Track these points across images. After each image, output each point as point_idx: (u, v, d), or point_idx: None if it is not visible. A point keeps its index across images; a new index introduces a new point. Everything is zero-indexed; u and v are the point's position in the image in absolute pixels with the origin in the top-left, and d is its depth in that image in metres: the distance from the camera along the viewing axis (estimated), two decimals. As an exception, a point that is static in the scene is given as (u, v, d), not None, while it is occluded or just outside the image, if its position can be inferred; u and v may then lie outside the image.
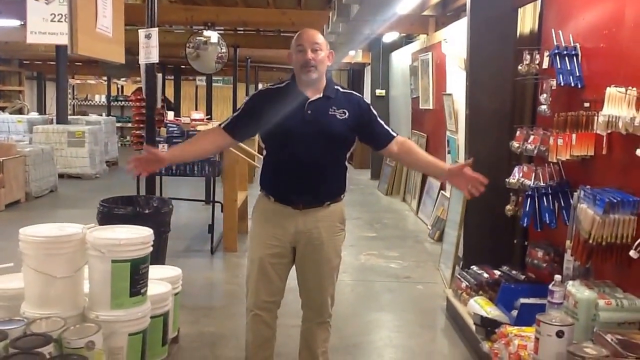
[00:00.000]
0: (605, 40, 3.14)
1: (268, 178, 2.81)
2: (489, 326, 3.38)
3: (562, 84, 3.30)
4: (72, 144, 10.75)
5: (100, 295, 2.78)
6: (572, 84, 3.27)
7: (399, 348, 3.86)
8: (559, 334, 2.52)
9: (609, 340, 2.41)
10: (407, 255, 6.04)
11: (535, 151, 3.53)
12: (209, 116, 9.87)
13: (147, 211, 3.92)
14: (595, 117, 2.93)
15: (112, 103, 19.27)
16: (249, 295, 2.84)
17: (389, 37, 10.43)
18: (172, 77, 18.85)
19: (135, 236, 2.87)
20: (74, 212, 7.59)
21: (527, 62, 3.75)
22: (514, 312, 3.40)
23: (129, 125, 18.21)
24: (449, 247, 4.99)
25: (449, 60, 6.81)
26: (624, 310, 2.66)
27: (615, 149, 2.95)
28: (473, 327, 3.56)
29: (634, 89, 2.68)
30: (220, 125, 2.84)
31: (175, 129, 6.17)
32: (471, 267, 4.15)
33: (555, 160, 3.27)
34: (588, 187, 2.93)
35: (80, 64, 16.42)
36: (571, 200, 3.17)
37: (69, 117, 12.30)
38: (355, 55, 12.19)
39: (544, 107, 3.58)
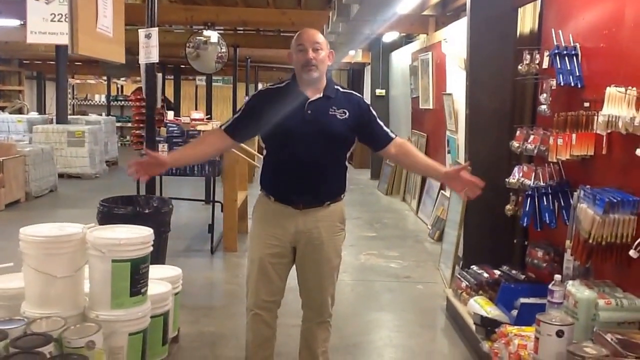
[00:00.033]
0: (605, 40, 3.14)
1: (268, 178, 2.81)
2: (489, 326, 3.38)
3: (562, 84, 3.30)
4: (72, 144, 10.75)
5: (101, 294, 2.79)
6: (572, 84, 3.27)
7: (399, 348, 3.86)
8: (559, 334, 2.52)
9: (609, 339, 2.42)
10: (407, 255, 6.04)
11: (535, 151, 3.53)
12: (208, 116, 9.86)
13: (147, 211, 3.92)
14: (595, 117, 2.94)
15: (111, 103, 19.26)
16: (249, 295, 2.84)
17: (389, 37, 10.43)
18: (172, 77, 18.85)
19: (136, 236, 2.87)
20: (73, 212, 7.59)
21: (527, 62, 3.76)
22: (514, 312, 3.40)
23: (129, 125, 18.23)
24: (449, 246, 4.99)
25: (449, 60, 6.81)
26: (624, 310, 2.66)
27: (615, 148, 2.96)
28: (473, 327, 3.56)
29: (634, 88, 2.68)
30: (221, 127, 2.84)
31: (175, 128, 6.17)
32: (471, 266, 4.15)
33: (555, 160, 3.28)
34: (588, 186, 2.94)
35: (80, 63, 16.42)
36: (571, 200, 3.17)
37: (68, 116, 12.30)
38: (355, 55, 12.19)
39: (544, 107, 3.58)
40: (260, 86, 17.58)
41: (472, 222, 4.36)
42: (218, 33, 9.04)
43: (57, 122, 11.41)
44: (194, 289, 4.64)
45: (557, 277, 2.89)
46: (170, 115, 7.80)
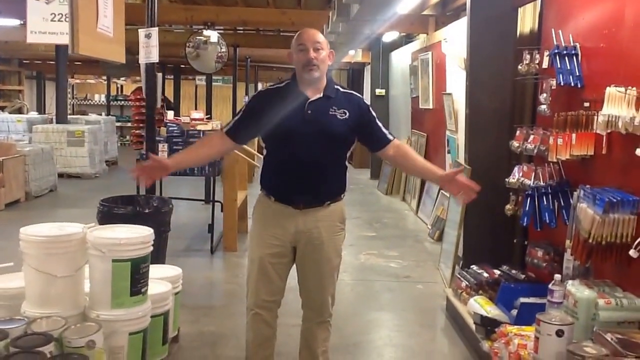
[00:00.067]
0: (605, 40, 3.15)
1: (268, 178, 2.82)
2: (488, 325, 3.38)
3: (562, 84, 3.31)
4: (72, 144, 10.75)
5: (101, 294, 2.79)
6: (572, 84, 3.27)
7: (399, 347, 3.86)
8: (559, 333, 2.52)
9: (609, 339, 2.42)
10: (406, 254, 6.04)
11: (535, 151, 3.53)
12: (208, 115, 9.88)
13: (147, 211, 3.92)
14: (595, 117, 2.94)
15: (111, 102, 19.26)
16: (249, 295, 2.84)
17: (389, 37, 10.43)
18: (172, 77, 18.84)
19: (136, 236, 2.87)
20: (73, 212, 7.59)
21: (527, 62, 3.76)
22: (514, 312, 3.40)
23: (129, 124, 18.22)
24: (449, 246, 5.00)
25: (448, 60, 6.81)
26: (624, 310, 2.67)
27: (615, 148, 2.96)
28: (473, 327, 3.56)
29: (634, 88, 2.68)
30: (222, 129, 2.84)
31: (175, 128, 6.17)
32: (471, 266, 4.15)
33: (555, 160, 3.28)
34: (588, 186, 2.94)
35: (79, 63, 16.42)
36: (571, 199, 3.17)
37: (68, 116, 12.30)
38: (355, 55, 12.20)
39: (543, 106, 3.58)
40: (260, 86, 17.59)
41: (472, 222, 4.36)
42: (218, 33, 9.04)
43: (57, 122, 11.41)
44: (194, 288, 4.65)
45: (557, 276, 2.90)
46: (170, 115, 7.81)
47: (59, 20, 3.58)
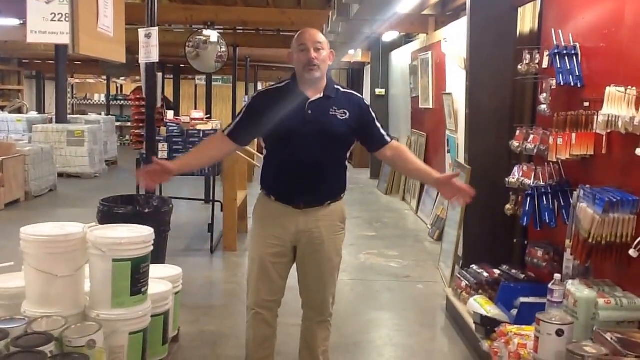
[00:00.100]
0: (605, 39, 3.15)
1: (269, 178, 2.82)
2: (488, 325, 3.39)
3: (561, 84, 3.31)
4: (72, 143, 10.75)
5: (101, 294, 2.79)
6: (572, 84, 3.28)
7: (399, 347, 3.86)
8: (559, 333, 2.52)
9: (609, 339, 2.42)
10: (406, 254, 6.05)
11: (535, 150, 3.53)
12: (208, 115, 9.87)
13: (147, 210, 3.93)
14: (595, 117, 2.94)
15: (111, 102, 19.25)
16: (249, 294, 2.84)
17: (389, 37, 10.43)
18: (172, 77, 18.84)
19: (136, 235, 2.87)
20: (73, 212, 7.59)
21: (527, 62, 3.76)
22: (514, 311, 3.41)
23: (128, 124, 18.24)
24: (449, 246, 5.00)
25: (448, 60, 6.81)
26: (624, 309, 2.67)
27: (615, 148, 2.96)
28: (473, 326, 3.56)
29: (634, 88, 2.68)
30: (224, 131, 2.84)
31: (175, 128, 6.18)
32: (471, 266, 4.16)
33: (555, 160, 3.28)
34: (588, 186, 2.94)
35: (79, 63, 16.41)
36: (571, 199, 3.17)
37: (68, 116, 12.29)
38: (355, 55, 12.19)
39: (543, 106, 3.59)
40: (259, 85, 17.60)
41: (472, 222, 4.36)
42: (218, 32, 9.04)
43: (57, 122, 11.40)
44: (193, 288, 4.65)
45: (557, 276, 2.90)
46: (170, 114, 7.81)
47: (59, 20, 3.58)
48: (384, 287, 5.06)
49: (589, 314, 2.69)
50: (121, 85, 22.32)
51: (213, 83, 13.67)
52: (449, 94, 6.68)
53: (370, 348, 3.85)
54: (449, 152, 6.90)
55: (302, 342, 2.96)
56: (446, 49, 6.84)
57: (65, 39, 3.17)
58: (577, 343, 2.47)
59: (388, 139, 2.83)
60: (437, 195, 7.12)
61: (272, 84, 2.95)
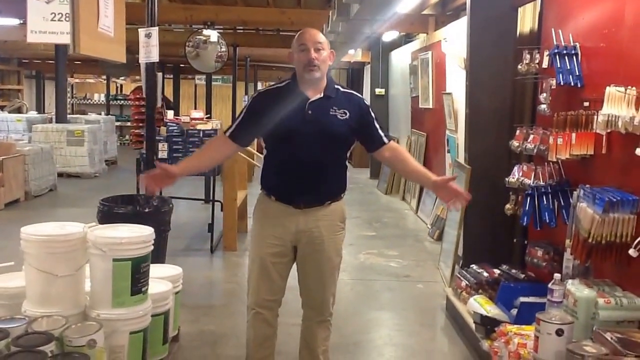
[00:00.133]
0: (605, 39, 3.15)
1: (269, 178, 2.82)
2: (488, 325, 3.39)
3: (561, 83, 3.31)
4: (72, 143, 10.75)
5: (102, 293, 2.79)
6: (572, 84, 3.28)
7: (399, 347, 3.86)
8: (559, 333, 2.53)
9: (609, 338, 2.42)
10: (406, 254, 6.05)
11: (535, 150, 3.54)
12: (208, 115, 9.87)
13: (147, 210, 3.93)
14: (595, 117, 2.95)
15: (111, 102, 19.24)
16: (250, 294, 2.85)
17: (389, 36, 10.43)
18: (172, 76, 18.84)
19: (137, 235, 2.87)
20: (73, 211, 7.59)
21: (527, 62, 3.76)
22: (514, 311, 3.41)
23: (128, 124, 18.24)
24: (449, 246, 5.00)
25: (448, 60, 6.81)
26: (623, 309, 2.67)
27: (615, 148, 2.96)
28: (473, 326, 3.57)
29: (634, 88, 2.69)
30: (225, 133, 2.85)
31: (175, 127, 6.18)
32: (471, 266, 4.16)
33: (554, 160, 3.28)
34: (588, 186, 2.94)
35: (79, 62, 16.41)
36: (571, 199, 3.18)
37: (68, 116, 12.29)
38: (354, 54, 12.19)
39: (543, 106, 3.59)
40: (259, 85, 17.59)
41: (472, 222, 4.37)
42: (217, 32, 9.04)
43: (57, 121, 11.40)
44: (194, 288, 4.65)
45: (557, 276, 2.90)
46: (170, 114, 7.81)
47: (59, 20, 3.59)
48: (383, 286, 5.06)
49: (588, 313, 2.69)
50: (121, 85, 22.31)
51: (213, 83, 13.68)
52: (449, 93, 6.68)
53: (370, 348, 3.85)
54: (448, 152, 6.90)
55: (302, 341, 2.96)
56: (446, 49, 6.84)
57: (65, 39, 3.18)
58: (577, 343, 2.48)
59: (386, 139, 2.83)
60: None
61: (272, 83, 2.95)
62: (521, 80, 3.94)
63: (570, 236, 3.00)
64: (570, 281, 2.89)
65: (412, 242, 6.61)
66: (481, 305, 3.57)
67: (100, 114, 15.94)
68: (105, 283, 2.77)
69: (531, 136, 3.64)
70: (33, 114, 14.61)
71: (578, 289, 2.77)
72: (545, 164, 3.56)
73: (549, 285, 2.88)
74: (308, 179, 2.71)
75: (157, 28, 4.18)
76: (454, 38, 6.38)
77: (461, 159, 5.38)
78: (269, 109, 2.72)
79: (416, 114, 9.05)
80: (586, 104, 3.17)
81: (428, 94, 7.90)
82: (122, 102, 20.40)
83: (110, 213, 3.81)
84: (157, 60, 4.26)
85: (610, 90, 2.79)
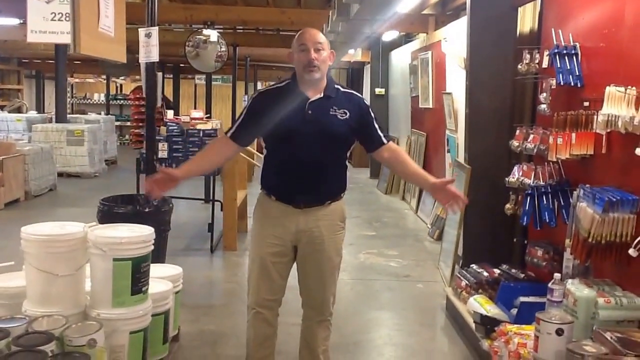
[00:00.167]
0: (605, 39, 3.15)
1: (269, 177, 2.82)
2: (488, 324, 3.39)
3: (561, 83, 3.31)
4: (71, 143, 10.75)
5: (102, 293, 2.79)
6: (572, 83, 3.28)
7: (399, 346, 3.87)
8: (559, 332, 2.53)
9: (608, 338, 2.43)
10: (406, 253, 6.05)
11: (535, 150, 3.54)
12: (208, 115, 9.86)
13: (147, 210, 3.93)
14: (595, 116, 2.95)
15: (111, 102, 19.23)
16: (250, 293, 2.85)
17: (389, 36, 10.44)
18: (172, 76, 18.83)
19: (137, 235, 2.88)
20: (73, 211, 7.59)
21: (527, 61, 3.76)
22: (514, 311, 3.41)
23: (128, 123, 18.24)
24: (449, 245, 5.00)
25: (448, 59, 6.82)
26: (623, 309, 2.67)
27: (615, 148, 2.97)
28: (473, 326, 3.57)
29: (634, 88, 2.69)
30: (226, 134, 2.85)
31: (175, 127, 6.18)
32: (471, 265, 4.16)
33: (554, 159, 3.29)
34: (587, 185, 2.95)
35: (79, 62, 16.42)
36: (571, 199, 3.18)
37: (68, 115, 12.29)
38: (354, 54, 12.19)
39: (543, 106, 3.59)
40: (259, 85, 17.59)
41: (472, 221, 4.37)
42: (217, 32, 9.04)
43: (57, 121, 11.40)
44: (194, 287, 4.65)
45: (557, 275, 2.90)
46: (169, 114, 7.81)
47: (59, 20, 3.59)
48: (383, 286, 5.07)
49: (588, 313, 2.69)
50: (121, 85, 22.31)
51: (213, 82, 13.66)
52: (449, 93, 6.68)
53: (370, 347, 3.85)
54: (448, 151, 6.90)
55: (302, 341, 2.96)
56: (446, 49, 6.84)
57: (65, 39, 3.18)
58: (577, 342, 2.48)
59: (385, 140, 2.83)
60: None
61: (272, 83, 2.95)
62: (521, 80, 3.94)
63: (570, 236, 3.00)
64: (570, 281, 2.89)
65: (412, 242, 6.62)
66: (481, 304, 3.58)
67: (100, 114, 15.94)
68: (106, 283, 2.78)
69: (531, 136, 3.64)
70: (33, 113, 14.61)
71: (578, 289, 2.77)
72: (545, 163, 3.56)
73: (549, 285, 2.89)
74: (308, 179, 2.72)
75: (157, 28, 4.18)
76: (454, 38, 6.38)
77: (461, 158, 5.38)
78: (269, 109, 2.72)
79: (416, 114, 9.05)
80: (586, 103, 3.17)
81: (428, 93, 7.90)
82: (122, 101, 20.39)
83: (110, 213, 3.81)
84: (157, 60, 4.25)
85: (610, 90, 2.80)
